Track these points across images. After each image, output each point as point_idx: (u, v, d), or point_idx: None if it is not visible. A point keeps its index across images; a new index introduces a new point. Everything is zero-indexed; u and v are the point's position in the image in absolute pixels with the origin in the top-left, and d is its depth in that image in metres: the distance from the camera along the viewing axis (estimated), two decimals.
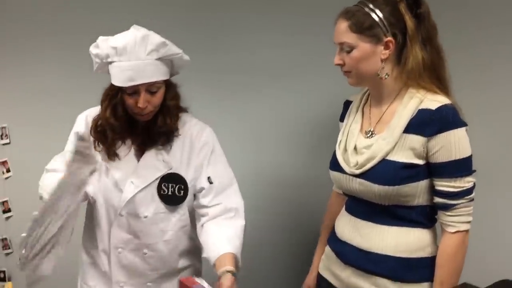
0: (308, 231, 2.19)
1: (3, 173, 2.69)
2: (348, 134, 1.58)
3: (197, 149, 1.64)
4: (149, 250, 1.63)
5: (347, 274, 1.56)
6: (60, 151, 1.72)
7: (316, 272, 1.77)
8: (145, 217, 1.60)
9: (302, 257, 2.14)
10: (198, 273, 1.78)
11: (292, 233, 2.26)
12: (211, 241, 1.56)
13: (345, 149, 1.56)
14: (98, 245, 1.65)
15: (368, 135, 1.52)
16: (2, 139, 2.67)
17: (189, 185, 1.63)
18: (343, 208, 1.66)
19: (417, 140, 1.39)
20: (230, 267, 1.46)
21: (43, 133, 2.54)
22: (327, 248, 1.69)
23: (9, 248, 2.77)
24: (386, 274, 1.46)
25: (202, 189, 1.63)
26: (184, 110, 1.69)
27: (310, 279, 1.83)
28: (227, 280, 1.43)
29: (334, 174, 1.59)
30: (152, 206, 1.61)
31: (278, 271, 2.18)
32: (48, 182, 1.54)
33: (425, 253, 1.47)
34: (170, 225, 1.64)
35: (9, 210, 2.71)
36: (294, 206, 2.27)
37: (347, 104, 1.69)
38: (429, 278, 1.45)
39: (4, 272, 2.78)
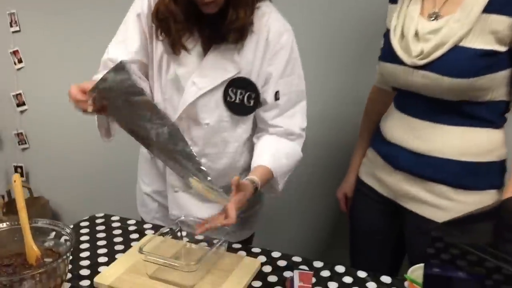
0: (344, 135, 2.03)
1: (15, 63, 2.59)
2: (405, 17, 1.35)
3: (272, 53, 1.38)
4: (208, 160, 1.46)
5: (396, 179, 1.40)
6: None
7: (354, 176, 1.62)
8: (207, 124, 1.42)
9: (335, 164, 2.02)
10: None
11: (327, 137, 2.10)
12: (257, 152, 1.40)
13: (402, 36, 1.34)
14: None
15: (433, 18, 1.29)
16: (11, 26, 2.55)
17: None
18: (392, 106, 1.47)
19: (501, 21, 1.19)
20: (255, 178, 1.31)
21: (54, 21, 2.43)
22: (371, 151, 1.53)
23: (26, 143, 2.73)
24: (447, 181, 1.32)
25: (265, 102, 1.41)
26: None
27: (348, 184, 1.67)
28: (244, 186, 1.28)
29: (388, 67, 1.37)
30: (215, 113, 1.41)
31: (309, 175, 2.05)
32: None
33: (494, 156, 1.32)
34: (234, 136, 1.45)
35: (23, 104, 2.66)
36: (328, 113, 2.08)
37: None
38: (497, 185, 1.33)
39: (21, 167, 2.75)
